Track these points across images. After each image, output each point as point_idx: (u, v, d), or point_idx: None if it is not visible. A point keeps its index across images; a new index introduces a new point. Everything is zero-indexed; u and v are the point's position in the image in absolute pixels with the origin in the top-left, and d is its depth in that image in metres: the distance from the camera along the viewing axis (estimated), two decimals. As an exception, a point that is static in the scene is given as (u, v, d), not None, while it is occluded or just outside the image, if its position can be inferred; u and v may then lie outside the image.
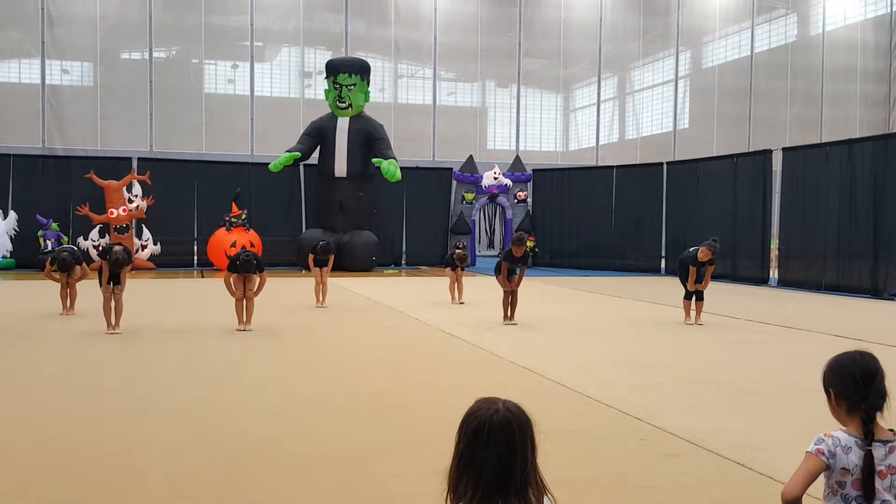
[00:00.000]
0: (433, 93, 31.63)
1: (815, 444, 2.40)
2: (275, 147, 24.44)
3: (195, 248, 22.16)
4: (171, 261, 21.26)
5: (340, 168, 21.51)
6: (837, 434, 2.41)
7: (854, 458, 2.37)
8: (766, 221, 18.63)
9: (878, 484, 2.36)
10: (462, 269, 13.43)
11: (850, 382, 2.41)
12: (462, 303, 13.11)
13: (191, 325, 10.13)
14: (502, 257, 10.84)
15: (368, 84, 22.26)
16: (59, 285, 11.21)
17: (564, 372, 7.14)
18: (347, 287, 15.84)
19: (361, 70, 22.05)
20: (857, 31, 34.81)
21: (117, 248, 9.84)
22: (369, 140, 21.68)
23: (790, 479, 2.40)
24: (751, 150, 26.72)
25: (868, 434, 2.37)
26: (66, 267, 10.89)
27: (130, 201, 20.44)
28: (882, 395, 2.41)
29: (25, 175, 21.05)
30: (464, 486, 1.87)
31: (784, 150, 18.65)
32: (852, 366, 2.44)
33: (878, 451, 2.37)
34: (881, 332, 10.07)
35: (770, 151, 18.98)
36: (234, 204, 20.51)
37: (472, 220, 23.85)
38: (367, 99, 22.20)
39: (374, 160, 21.11)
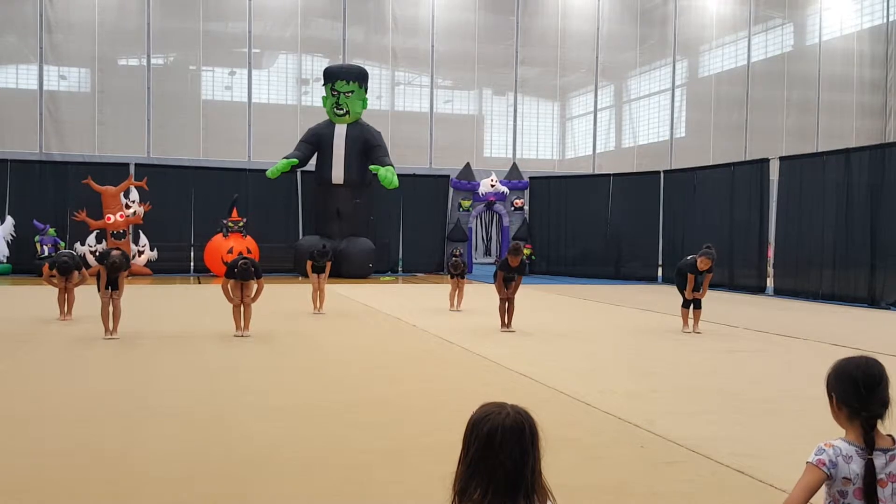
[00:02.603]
0: (430, 100, 31.70)
1: (816, 455, 2.37)
2: (272, 154, 24.46)
3: (192, 254, 22.13)
4: (168, 267, 21.21)
5: (338, 175, 21.51)
6: (838, 443, 2.38)
7: (855, 467, 2.34)
8: (763, 230, 18.67)
9: (880, 493, 2.33)
10: (461, 277, 13.43)
11: (852, 388, 2.38)
12: (459, 310, 13.10)
13: (188, 331, 10.11)
14: (499, 266, 10.86)
15: (366, 91, 22.28)
16: (56, 290, 11.20)
17: (563, 379, 7.13)
18: (344, 294, 15.84)
19: (359, 77, 22.07)
20: (853, 41, 34.99)
21: (115, 252, 9.83)
22: (367, 147, 21.69)
23: (792, 491, 2.37)
24: (747, 158, 26.78)
25: (869, 442, 2.35)
26: (66, 271, 10.89)
27: (128, 207, 20.41)
28: (884, 403, 2.37)
29: (22, 180, 21.02)
30: (473, 489, 1.88)
31: (781, 159, 18.70)
32: (856, 371, 2.40)
33: (879, 460, 2.34)
34: (879, 340, 10.09)
35: (767, 160, 19.02)
36: (235, 210, 20.50)
37: (469, 227, 23.86)
38: (364, 106, 22.22)
39: (372, 167, 21.12)
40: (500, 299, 10.65)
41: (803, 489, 2.34)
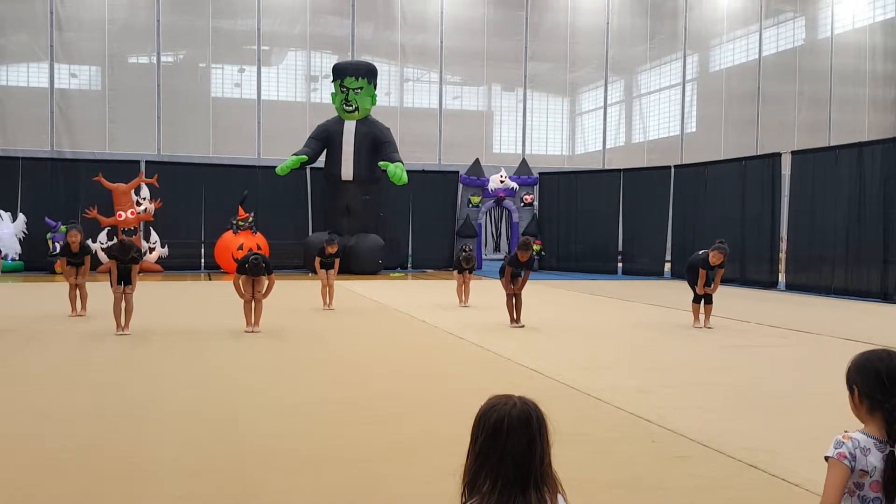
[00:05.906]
0: (439, 96, 31.64)
1: (836, 448, 2.33)
2: (281, 150, 24.48)
3: (202, 250, 22.22)
4: (179, 263, 21.29)
5: (347, 171, 21.53)
6: (856, 435, 2.35)
7: (873, 459, 2.31)
8: (775, 225, 18.56)
9: (897, 487, 2.31)
10: (470, 273, 13.41)
11: (875, 381, 2.35)
12: (467, 306, 13.09)
13: (199, 327, 10.13)
14: (507, 262, 10.83)
15: (375, 87, 22.28)
16: (67, 287, 11.27)
17: (573, 374, 7.11)
18: (354, 290, 15.85)
19: (368, 73, 22.07)
20: (865, 34, 34.72)
21: (125, 239, 9.93)
22: (376, 143, 21.70)
23: (824, 492, 2.31)
24: (759, 153, 26.62)
25: (892, 435, 2.31)
26: (79, 253, 11.04)
27: (138, 204, 20.51)
28: None
29: (34, 178, 21.14)
30: (482, 480, 1.86)
31: (793, 153, 18.60)
32: (878, 364, 2.37)
33: (897, 453, 2.32)
34: (892, 335, 10.02)
35: (779, 155, 18.91)
36: (240, 207, 20.55)
37: (479, 223, 23.84)
38: (373, 102, 22.23)
39: (381, 163, 21.12)
40: (507, 294, 10.64)
41: (834, 487, 2.28)
